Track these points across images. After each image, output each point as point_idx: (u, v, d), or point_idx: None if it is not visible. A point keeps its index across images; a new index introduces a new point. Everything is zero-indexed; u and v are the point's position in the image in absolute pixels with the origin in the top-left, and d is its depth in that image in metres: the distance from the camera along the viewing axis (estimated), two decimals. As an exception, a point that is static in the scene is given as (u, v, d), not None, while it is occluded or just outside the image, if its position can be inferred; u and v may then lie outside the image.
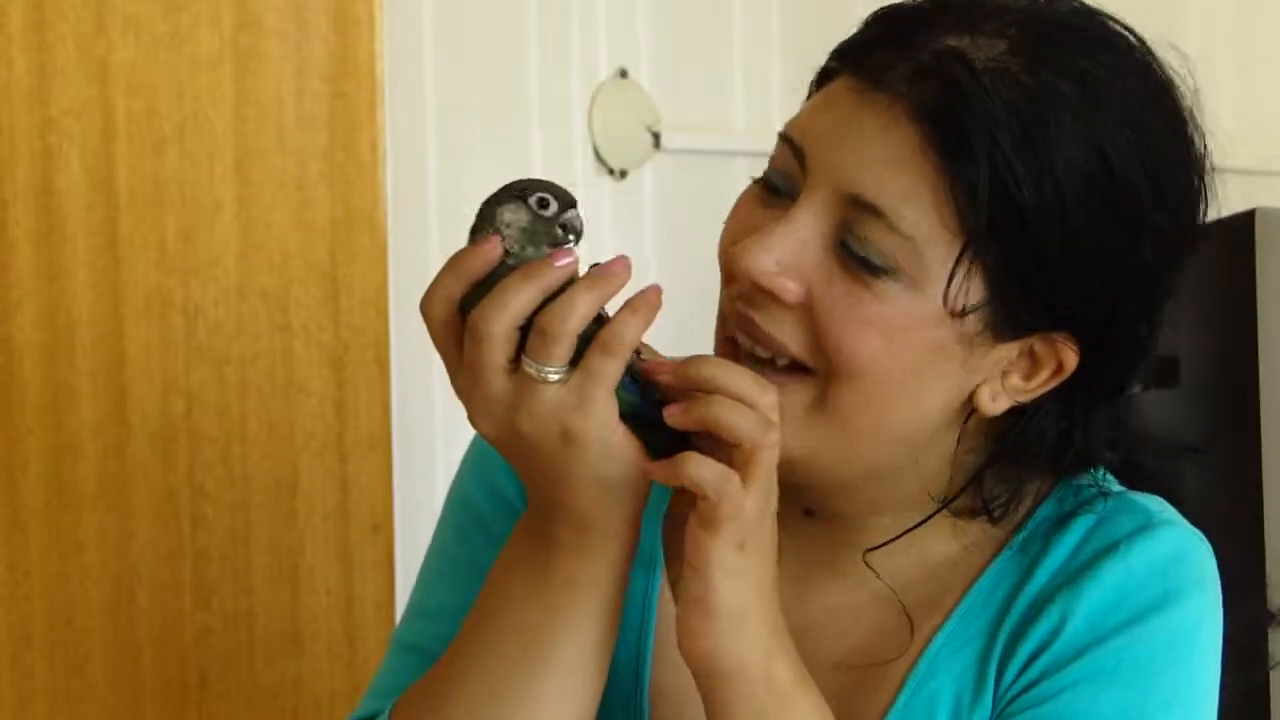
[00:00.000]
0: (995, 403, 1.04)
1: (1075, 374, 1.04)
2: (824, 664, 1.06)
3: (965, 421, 1.06)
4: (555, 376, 0.94)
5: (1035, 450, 1.08)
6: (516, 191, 0.99)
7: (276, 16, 1.98)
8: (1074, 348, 1.03)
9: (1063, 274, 0.99)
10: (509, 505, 1.15)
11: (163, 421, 1.93)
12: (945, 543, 1.10)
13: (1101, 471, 1.12)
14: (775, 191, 1.04)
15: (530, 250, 0.97)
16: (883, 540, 1.10)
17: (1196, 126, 1.05)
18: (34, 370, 1.88)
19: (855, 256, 0.99)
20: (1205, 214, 1.06)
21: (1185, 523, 1.09)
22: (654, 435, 0.98)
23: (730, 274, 1.04)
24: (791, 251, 1.00)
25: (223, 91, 1.96)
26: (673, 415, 0.96)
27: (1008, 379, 1.04)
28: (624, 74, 2.32)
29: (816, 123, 1.03)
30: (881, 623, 1.10)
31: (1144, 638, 1.04)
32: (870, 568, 1.10)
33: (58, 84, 1.88)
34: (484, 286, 0.95)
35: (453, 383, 0.98)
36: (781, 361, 1.02)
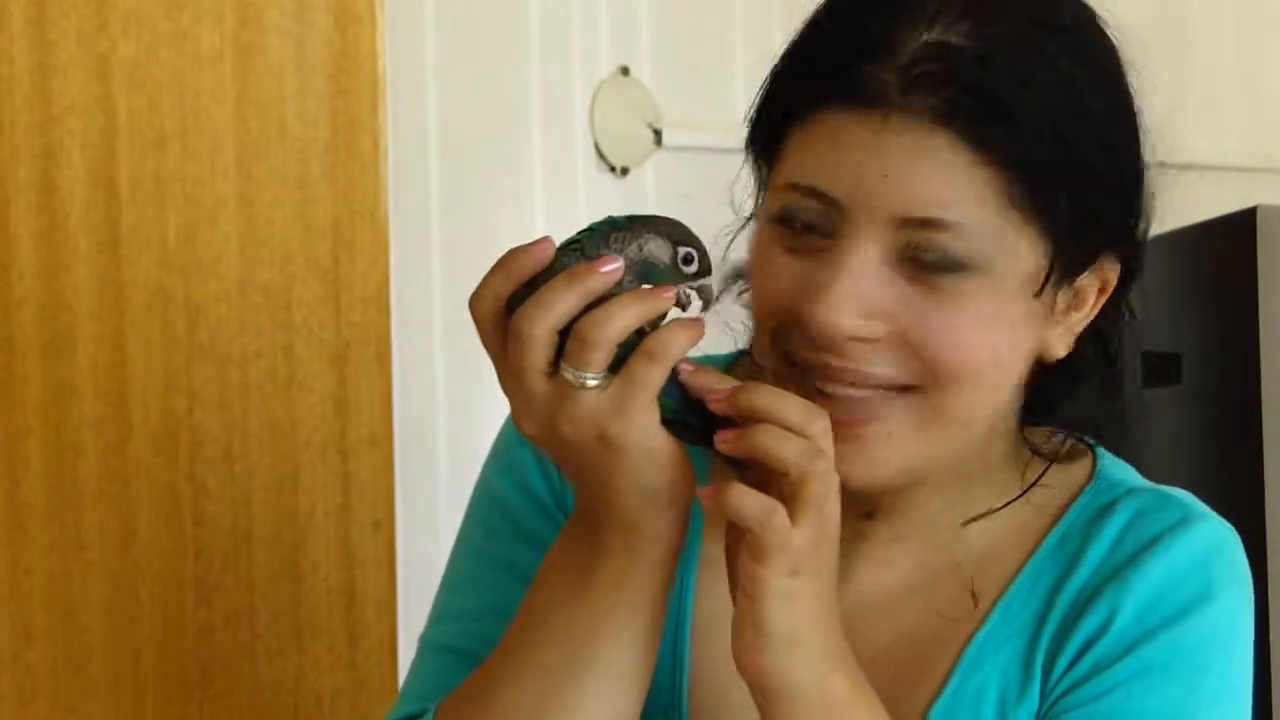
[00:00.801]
0: (1060, 344, 1.07)
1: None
2: (865, 654, 1.07)
3: (1030, 370, 1.08)
4: (594, 382, 0.94)
5: (1090, 366, 1.10)
6: (669, 232, 0.98)
7: (278, 13, 1.98)
8: (1118, 262, 1.06)
9: (1102, 203, 1.02)
10: (539, 502, 1.16)
11: (164, 419, 1.94)
12: (986, 541, 1.11)
13: (1127, 466, 1.14)
14: (800, 229, 1.03)
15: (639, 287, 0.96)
16: (922, 523, 1.11)
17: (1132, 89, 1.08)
18: (35, 367, 1.88)
19: (928, 265, 1.00)
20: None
21: (1217, 515, 1.11)
22: (696, 438, 0.98)
23: (782, 328, 1.04)
24: (863, 294, 1.00)
25: (224, 88, 1.96)
26: (724, 443, 0.96)
27: (1068, 317, 1.06)
28: (625, 71, 2.32)
29: (843, 164, 1.01)
30: (923, 613, 1.11)
31: (1190, 632, 1.06)
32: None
33: (59, 81, 1.88)
34: (532, 287, 0.95)
35: (499, 381, 0.98)
36: (888, 390, 1.03)
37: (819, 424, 0.96)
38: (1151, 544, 1.08)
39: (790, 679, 0.97)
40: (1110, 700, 1.05)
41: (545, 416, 0.95)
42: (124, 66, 1.91)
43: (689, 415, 0.97)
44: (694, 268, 0.98)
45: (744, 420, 0.96)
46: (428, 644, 1.17)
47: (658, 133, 2.33)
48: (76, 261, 1.89)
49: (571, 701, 1.00)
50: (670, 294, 0.96)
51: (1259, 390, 2.09)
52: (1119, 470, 1.14)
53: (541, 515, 1.15)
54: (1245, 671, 1.08)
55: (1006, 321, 1.02)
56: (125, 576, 1.92)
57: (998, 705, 1.07)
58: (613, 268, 0.94)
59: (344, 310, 2.02)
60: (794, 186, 1.03)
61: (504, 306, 0.96)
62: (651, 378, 0.94)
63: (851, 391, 1.02)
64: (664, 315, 0.97)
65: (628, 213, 1.00)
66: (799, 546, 0.95)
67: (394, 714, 1.13)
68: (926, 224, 0.99)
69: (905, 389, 1.02)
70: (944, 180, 0.98)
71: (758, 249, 1.07)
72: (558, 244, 0.97)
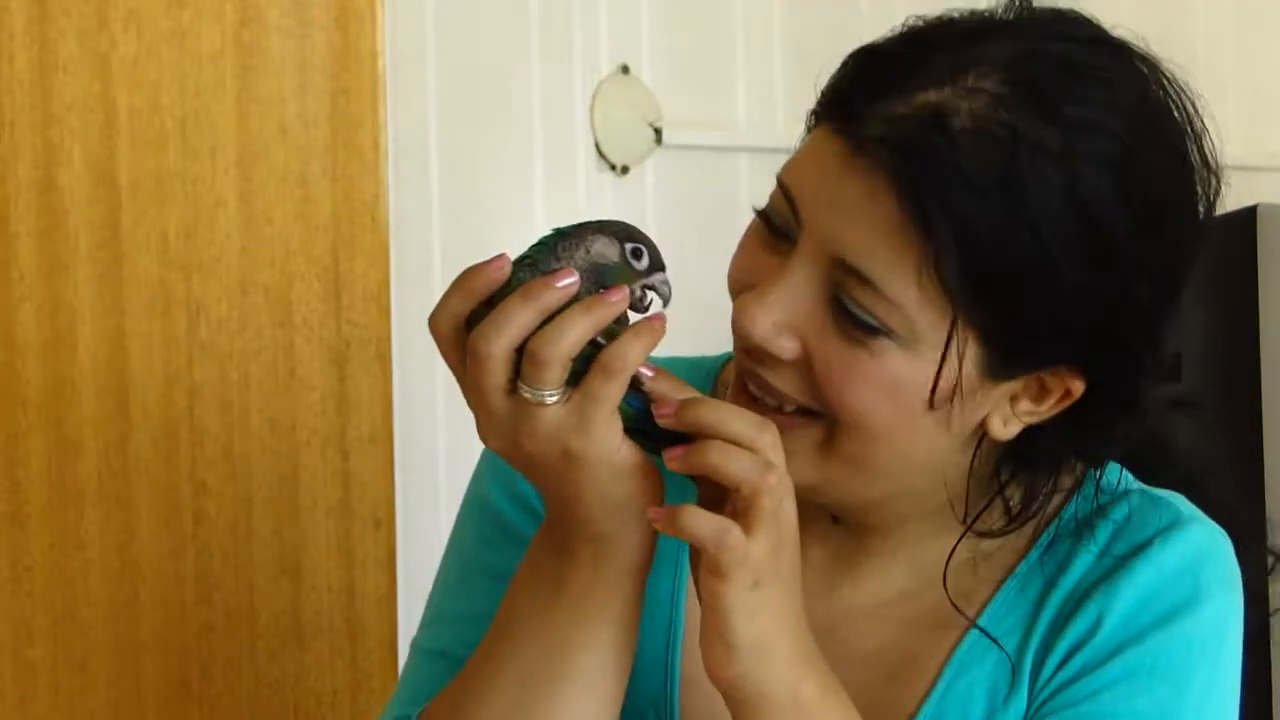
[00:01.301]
0: (1007, 427, 1.05)
1: (1085, 394, 1.04)
2: (854, 659, 1.07)
3: (978, 445, 1.06)
4: (552, 399, 0.93)
5: (1051, 461, 1.09)
6: (615, 230, 0.98)
7: (278, 12, 1.98)
8: (1080, 377, 1.03)
9: (1057, 322, 0.99)
10: (529, 508, 1.16)
11: (165, 417, 1.94)
12: (972, 543, 1.11)
13: (1118, 468, 1.13)
14: (775, 231, 1.04)
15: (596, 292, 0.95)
16: (908, 535, 1.11)
17: (1198, 142, 1.03)
18: (36, 366, 1.88)
19: (850, 315, 0.99)
20: (1209, 221, 1.05)
21: (1208, 519, 1.10)
22: (655, 448, 0.97)
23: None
24: (787, 309, 1.00)
25: (225, 87, 1.96)
26: (672, 460, 0.96)
27: (1017, 405, 1.04)
28: (626, 70, 2.32)
29: (807, 175, 1.02)
30: (912, 618, 1.11)
31: (1178, 635, 1.05)
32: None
33: (60, 79, 1.88)
34: (490, 305, 0.95)
35: (464, 396, 0.98)
36: (790, 407, 1.03)
37: (767, 436, 0.96)
38: (1141, 547, 1.08)
39: (761, 688, 0.97)
40: (1098, 702, 1.05)
41: (508, 433, 0.95)
42: (124, 65, 1.91)
43: (650, 425, 0.97)
44: (644, 263, 0.98)
45: (694, 435, 0.96)
46: (419, 648, 1.17)
47: (658, 131, 2.33)
48: (77, 259, 1.90)
49: (543, 709, 1.01)
50: (620, 296, 0.95)
51: (1259, 388, 2.09)
52: (1110, 472, 1.13)
53: (531, 520, 1.15)
54: (1234, 675, 1.08)
55: (917, 394, 1.00)
56: (125, 575, 1.92)
57: (986, 707, 1.07)
58: (568, 282, 0.94)
59: (344, 308, 2.02)
60: (778, 179, 1.04)
61: (463, 325, 0.96)
62: (609, 392, 0.94)
63: (765, 399, 1.03)
64: (624, 319, 0.96)
65: (576, 221, 0.99)
66: (757, 558, 0.95)
67: (384, 717, 1.14)
68: (853, 272, 0.98)
69: (809, 413, 1.02)
70: (883, 243, 0.97)
71: (745, 232, 1.07)
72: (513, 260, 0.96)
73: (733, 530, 0.94)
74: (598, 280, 0.96)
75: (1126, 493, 1.11)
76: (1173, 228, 1.02)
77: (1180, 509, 1.10)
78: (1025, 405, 1.04)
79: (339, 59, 2.01)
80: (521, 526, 1.15)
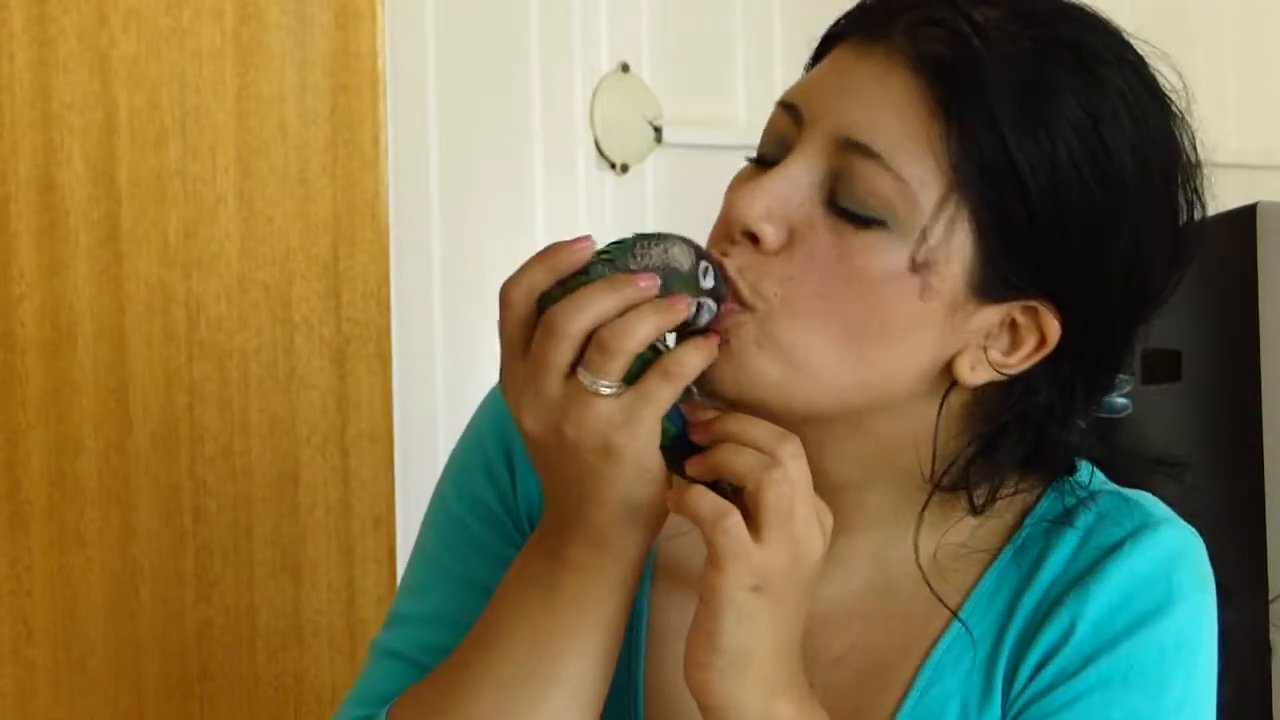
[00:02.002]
0: (974, 373, 1.03)
1: (1061, 363, 1.04)
2: (824, 660, 1.06)
3: (945, 394, 1.05)
4: (607, 390, 0.93)
5: (1019, 440, 1.07)
6: (694, 245, 0.99)
7: (278, 10, 1.98)
8: (1056, 317, 1.02)
9: (1049, 234, 0.99)
10: (490, 513, 1.15)
11: (164, 416, 1.94)
12: (941, 543, 1.10)
13: (1089, 468, 1.12)
14: (766, 164, 1.03)
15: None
16: (873, 524, 1.09)
17: (1189, 133, 1.05)
18: (35, 365, 1.88)
19: (844, 210, 0.99)
20: (1193, 220, 1.05)
21: (1179, 519, 1.09)
22: (681, 471, 0.98)
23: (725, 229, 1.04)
24: (781, 198, 1.00)
25: (224, 85, 1.96)
26: (693, 468, 0.97)
27: (989, 351, 1.03)
28: (626, 68, 2.32)
29: (813, 81, 1.03)
30: (881, 616, 1.10)
31: (1152, 640, 1.04)
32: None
33: (59, 78, 1.88)
34: (562, 285, 0.95)
35: (506, 373, 0.97)
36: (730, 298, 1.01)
37: (788, 445, 0.95)
38: (1111, 551, 1.06)
39: (733, 699, 0.96)
40: (1073, 712, 1.03)
41: (552, 416, 0.95)
42: (124, 63, 1.91)
43: (680, 446, 0.97)
44: (710, 283, 0.98)
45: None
46: (376, 648, 1.17)
47: (658, 129, 2.33)
48: (77, 258, 1.90)
49: (528, 715, 1.00)
50: (684, 304, 0.95)
51: (1259, 387, 2.09)
52: (1081, 472, 1.11)
53: (492, 524, 1.15)
54: (1209, 678, 1.06)
55: (896, 293, 0.99)
56: (125, 573, 1.93)
57: (959, 716, 1.06)
58: (649, 284, 0.94)
59: (344, 306, 2.02)
60: (778, 103, 1.04)
61: (536, 299, 0.95)
62: (664, 395, 0.94)
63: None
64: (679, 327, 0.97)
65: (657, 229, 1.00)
66: (761, 561, 0.94)
67: (342, 715, 1.13)
68: (862, 148, 0.98)
69: (744, 307, 1.00)
70: (895, 115, 0.98)
71: (730, 183, 1.07)
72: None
73: (732, 515, 0.94)
74: (664, 284, 0.96)
75: (1097, 493, 1.09)
76: (1162, 188, 1.03)
77: (1151, 510, 1.08)
78: (996, 355, 1.03)
79: (339, 57, 2.01)
80: (482, 533, 1.15)
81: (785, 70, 2.37)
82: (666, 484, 0.97)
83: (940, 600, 1.07)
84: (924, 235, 0.98)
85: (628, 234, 0.99)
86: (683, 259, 0.97)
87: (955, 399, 1.05)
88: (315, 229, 2.00)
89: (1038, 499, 1.10)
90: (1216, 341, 2.12)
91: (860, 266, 0.98)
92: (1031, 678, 1.05)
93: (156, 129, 1.93)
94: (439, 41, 2.21)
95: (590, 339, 0.93)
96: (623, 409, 0.94)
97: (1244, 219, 2.10)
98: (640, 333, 0.93)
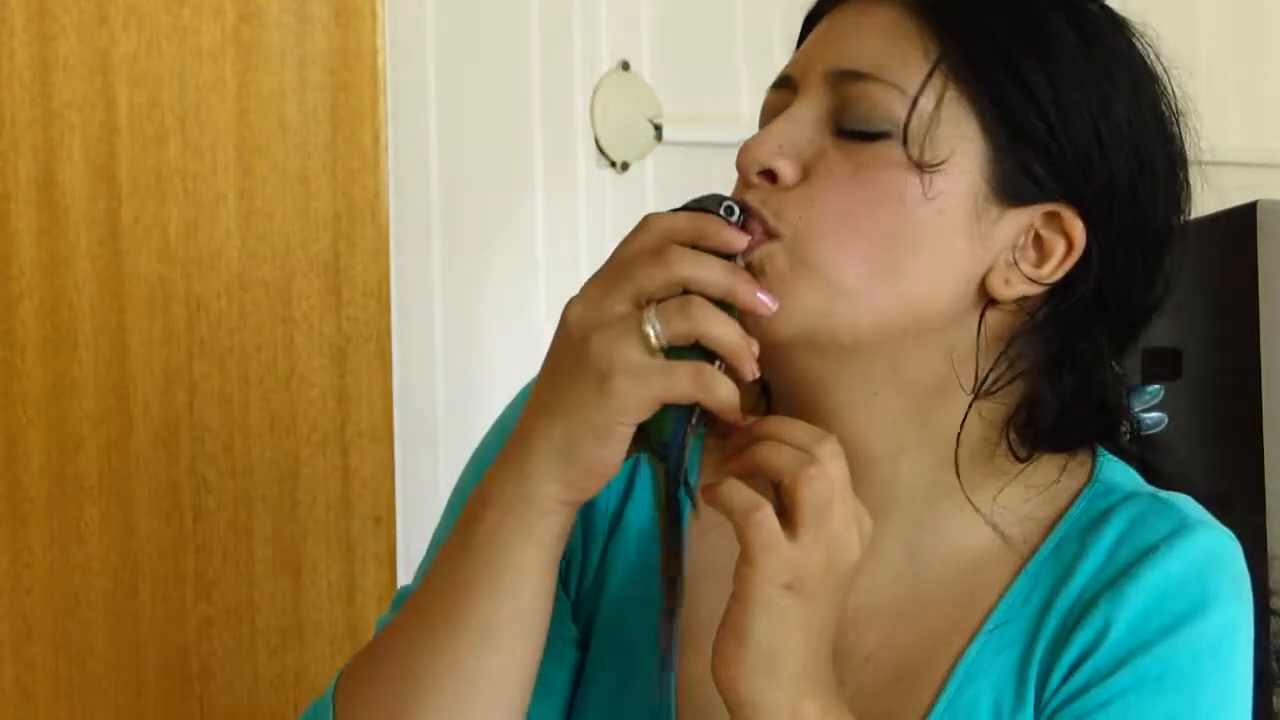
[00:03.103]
0: (1009, 286, 1.05)
1: (1084, 293, 1.05)
2: (855, 658, 1.06)
3: (983, 313, 1.06)
4: (653, 339, 0.94)
5: (1059, 376, 1.08)
6: (707, 203, 1.00)
7: (278, 8, 1.98)
8: (1079, 219, 1.04)
9: (1050, 118, 1.02)
10: None
11: (165, 414, 1.94)
12: (977, 540, 1.09)
13: (1127, 470, 1.12)
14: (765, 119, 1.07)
15: None
16: (904, 505, 1.09)
17: (1171, 94, 1.08)
18: (36, 362, 1.88)
19: (851, 131, 1.02)
20: (1182, 151, 1.08)
21: (1217, 523, 1.08)
22: (671, 472, 0.98)
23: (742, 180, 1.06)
24: (789, 137, 1.03)
25: (225, 83, 1.96)
26: (730, 466, 0.97)
27: (1020, 264, 1.05)
28: (626, 66, 2.32)
29: (801, 50, 1.09)
30: (912, 612, 1.09)
31: (1187, 643, 1.03)
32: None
33: (60, 76, 1.88)
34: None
35: (597, 274, 0.97)
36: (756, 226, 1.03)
37: (826, 445, 0.96)
38: (1147, 553, 1.05)
39: (759, 697, 0.96)
40: (1108, 713, 1.02)
41: (594, 321, 0.95)
42: (124, 61, 1.91)
43: (682, 489, 0.97)
44: (737, 216, 1.00)
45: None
46: (379, 625, 1.17)
47: (658, 128, 2.33)
48: (77, 256, 1.90)
49: (446, 661, 1.00)
50: (753, 351, 0.97)
51: (1260, 385, 2.09)
52: (1118, 473, 1.11)
53: None
54: (1244, 682, 1.06)
55: (911, 194, 1.01)
56: (125, 571, 1.92)
57: (992, 717, 1.06)
58: (763, 301, 0.97)
59: (344, 304, 2.02)
60: (771, 86, 1.09)
61: (671, 241, 0.97)
62: (682, 387, 0.94)
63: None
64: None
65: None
66: (794, 559, 0.94)
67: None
68: (858, 75, 1.02)
69: (773, 237, 1.02)
70: (875, 36, 1.03)
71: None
72: None
73: (764, 509, 0.94)
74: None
75: (1133, 495, 1.09)
76: (1157, 103, 1.06)
77: (1188, 512, 1.08)
78: (1027, 267, 1.05)
79: (339, 55, 2.01)
80: None
81: (785, 68, 2.37)
82: (619, 457, 0.96)
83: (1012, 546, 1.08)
84: (929, 136, 1.01)
85: (620, 237, 1.00)
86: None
87: (993, 322, 1.06)
88: (315, 227, 2.00)
89: (1075, 498, 1.10)
90: (1217, 339, 2.12)
91: (875, 177, 1.01)
92: (1065, 679, 1.04)
93: (157, 127, 1.93)
94: (439, 39, 2.21)
95: (683, 292, 0.94)
96: (647, 364, 0.94)
97: (1244, 217, 2.10)
98: (718, 332, 0.95)
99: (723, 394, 0.95)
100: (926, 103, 1.01)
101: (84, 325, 1.90)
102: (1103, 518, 1.08)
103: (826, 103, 1.03)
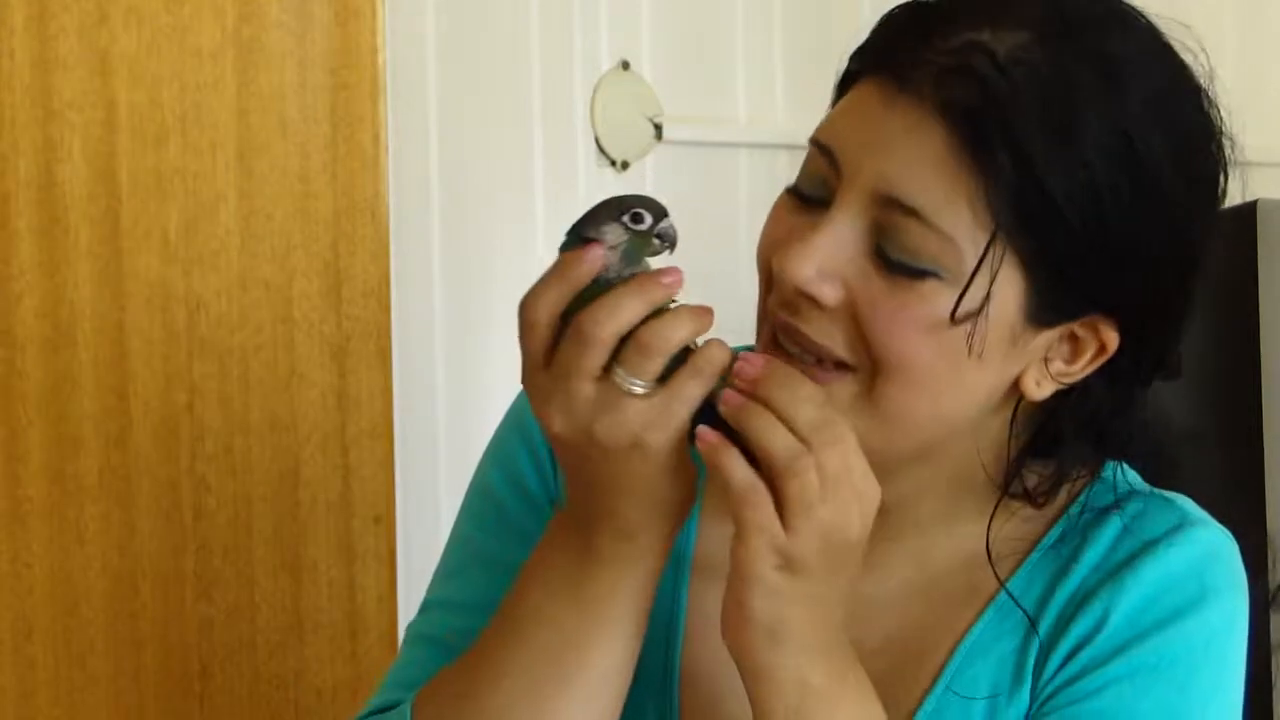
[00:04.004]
0: (1040, 388, 1.05)
1: (1118, 354, 1.05)
2: (863, 650, 1.07)
3: (1015, 407, 1.07)
4: (640, 390, 0.94)
5: (1083, 431, 1.09)
6: (612, 212, 1.00)
7: (278, 8, 1.98)
8: (1114, 328, 1.03)
9: (1097, 259, 1.00)
10: (531, 499, 1.16)
11: (165, 413, 1.94)
12: (981, 535, 1.11)
13: (1124, 469, 1.13)
14: (808, 200, 1.04)
15: (628, 271, 0.98)
16: (920, 532, 1.11)
17: (1212, 101, 1.06)
18: (36, 362, 1.88)
19: (892, 261, 0.99)
20: (1225, 184, 1.07)
21: (1215, 522, 1.11)
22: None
23: (771, 281, 1.04)
24: (829, 255, 1.00)
25: (225, 83, 1.96)
26: (728, 405, 0.96)
27: (1051, 364, 1.05)
28: (626, 65, 2.32)
29: (846, 125, 1.03)
30: (917, 612, 1.11)
31: (1183, 636, 1.05)
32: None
33: (60, 76, 1.88)
34: (578, 297, 0.96)
35: (530, 383, 0.98)
36: (826, 362, 1.02)
37: (826, 432, 0.95)
38: (1148, 548, 1.08)
39: (766, 663, 0.97)
40: (1100, 699, 1.05)
41: (583, 419, 0.95)
42: (125, 61, 1.91)
43: (702, 418, 0.97)
44: (648, 221, 0.99)
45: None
46: (413, 632, 1.17)
47: (658, 127, 2.33)
48: (77, 256, 1.90)
49: (552, 706, 1.01)
50: (673, 277, 0.96)
51: (1259, 383, 2.09)
52: (1120, 472, 1.13)
53: (531, 511, 1.15)
54: (1237, 677, 1.08)
55: (960, 336, 1.00)
56: (126, 571, 1.93)
57: (989, 703, 1.07)
58: (674, 279, 0.96)
59: (344, 304, 2.02)
60: (812, 140, 1.04)
61: (559, 312, 0.96)
62: (695, 391, 0.95)
63: (802, 355, 1.03)
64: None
65: (565, 229, 1.01)
66: (784, 544, 0.94)
67: (375, 701, 1.14)
68: (903, 207, 0.98)
69: (843, 366, 1.02)
70: (932, 172, 0.98)
71: (773, 208, 1.07)
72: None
73: (760, 492, 0.94)
74: (629, 263, 0.98)
75: (1135, 493, 1.11)
76: (1200, 168, 1.04)
77: (1188, 510, 1.11)
78: (1059, 365, 1.05)
79: (339, 55, 2.01)
80: (520, 516, 1.15)
81: (786, 68, 2.37)
82: (693, 477, 0.98)
83: (996, 574, 1.08)
84: (973, 280, 0.98)
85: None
86: (618, 233, 0.99)
87: (1020, 406, 1.07)
88: (315, 226, 2.00)
89: (1078, 494, 1.12)
90: (1217, 338, 2.12)
91: (922, 315, 0.99)
92: (1062, 666, 1.06)
93: (157, 126, 1.93)
94: (439, 39, 2.21)
95: (625, 341, 0.94)
96: (655, 407, 0.95)
97: (1244, 216, 2.10)
98: (678, 335, 0.94)
99: (720, 359, 0.95)
100: (973, 251, 0.98)
101: (84, 325, 1.90)
102: (1105, 513, 1.10)
103: (869, 217, 1.00)
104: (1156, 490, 1.13)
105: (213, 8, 1.95)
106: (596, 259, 0.97)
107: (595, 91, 2.31)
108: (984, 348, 1.00)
